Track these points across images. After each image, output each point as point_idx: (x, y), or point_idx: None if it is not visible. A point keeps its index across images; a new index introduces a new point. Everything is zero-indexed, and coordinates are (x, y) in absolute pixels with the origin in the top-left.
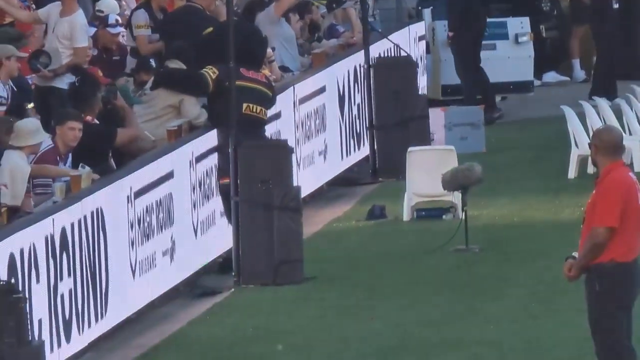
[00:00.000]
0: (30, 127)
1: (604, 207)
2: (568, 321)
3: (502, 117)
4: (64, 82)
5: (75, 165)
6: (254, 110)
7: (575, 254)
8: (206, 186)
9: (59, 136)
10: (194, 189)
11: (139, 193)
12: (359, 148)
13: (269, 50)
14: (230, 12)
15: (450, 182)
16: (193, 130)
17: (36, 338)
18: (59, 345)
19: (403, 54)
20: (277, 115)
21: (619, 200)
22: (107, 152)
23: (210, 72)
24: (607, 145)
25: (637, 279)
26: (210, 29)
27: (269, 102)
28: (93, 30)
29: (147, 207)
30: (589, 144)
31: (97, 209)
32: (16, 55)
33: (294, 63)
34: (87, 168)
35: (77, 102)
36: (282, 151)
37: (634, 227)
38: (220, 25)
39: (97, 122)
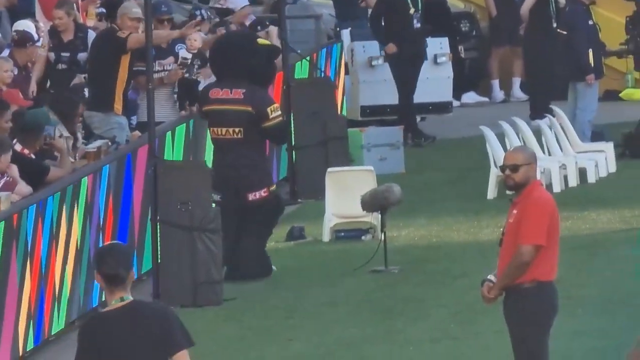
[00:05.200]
0: None
1: (532, 225)
2: (489, 342)
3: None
4: None
5: None
6: (221, 133)
7: (491, 277)
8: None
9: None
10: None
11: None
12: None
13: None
14: (148, 24)
15: (370, 203)
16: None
17: None
18: None
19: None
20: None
21: (547, 218)
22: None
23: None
24: (535, 163)
25: (556, 298)
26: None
27: (251, 117)
28: (8, 50)
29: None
30: (506, 166)
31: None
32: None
33: None
34: (7, 193)
35: (23, 135)
36: (201, 172)
37: (554, 247)
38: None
39: (33, 157)
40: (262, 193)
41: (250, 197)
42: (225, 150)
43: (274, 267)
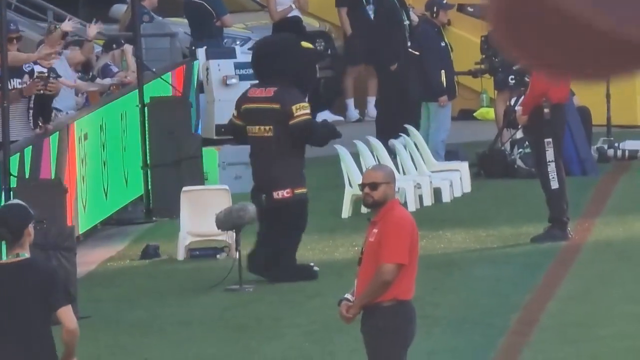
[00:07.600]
0: None
1: (393, 243)
2: None
3: None
4: None
5: None
6: (253, 131)
7: (348, 296)
8: None
9: None
10: None
11: None
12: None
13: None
14: (2, 43)
15: (224, 221)
16: None
17: None
18: None
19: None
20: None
21: (408, 237)
22: None
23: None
24: (394, 182)
25: (415, 317)
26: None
27: (278, 115)
28: None
29: None
30: (366, 184)
31: None
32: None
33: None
34: None
35: None
36: (56, 190)
37: (414, 265)
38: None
39: None
40: (285, 193)
41: (275, 195)
42: (258, 149)
43: (316, 268)
